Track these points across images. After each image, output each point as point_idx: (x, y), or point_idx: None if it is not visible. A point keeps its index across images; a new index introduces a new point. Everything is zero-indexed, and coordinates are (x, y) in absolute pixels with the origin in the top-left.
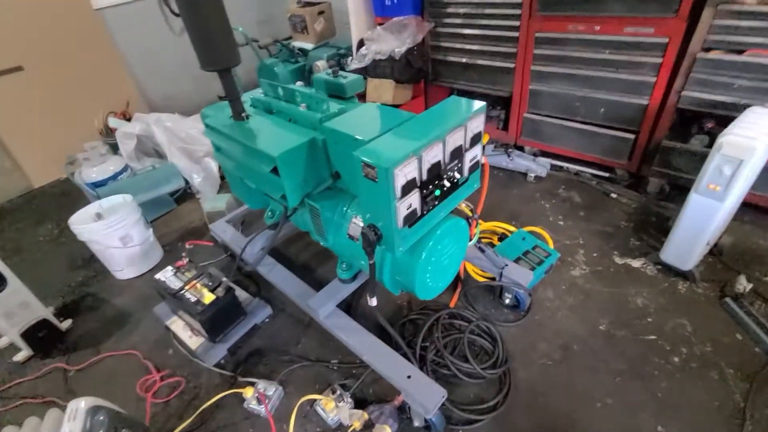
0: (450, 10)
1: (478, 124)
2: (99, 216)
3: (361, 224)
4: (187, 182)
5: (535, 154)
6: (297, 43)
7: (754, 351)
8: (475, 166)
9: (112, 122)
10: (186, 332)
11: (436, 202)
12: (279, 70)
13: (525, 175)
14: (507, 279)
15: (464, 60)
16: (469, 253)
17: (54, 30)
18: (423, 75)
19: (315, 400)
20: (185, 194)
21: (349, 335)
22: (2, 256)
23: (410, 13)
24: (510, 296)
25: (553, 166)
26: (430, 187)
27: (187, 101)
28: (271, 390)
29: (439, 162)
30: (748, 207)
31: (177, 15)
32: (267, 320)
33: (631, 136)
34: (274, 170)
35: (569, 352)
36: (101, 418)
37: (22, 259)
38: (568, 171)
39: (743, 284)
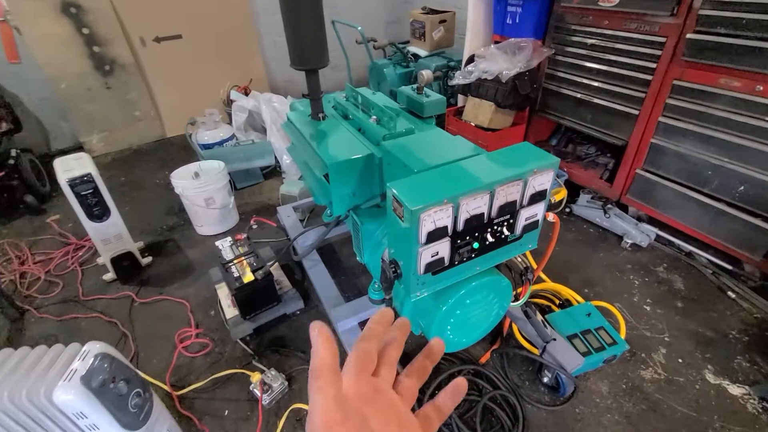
0: (576, 38)
1: (543, 181)
2: (197, 175)
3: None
4: (277, 161)
5: (639, 218)
6: (412, 48)
7: None
8: (533, 226)
9: (233, 94)
10: (227, 300)
11: (473, 255)
12: (388, 72)
13: (620, 239)
14: (550, 356)
15: (579, 95)
16: (516, 313)
17: (211, 8)
18: (528, 103)
19: (304, 414)
20: (274, 172)
21: None
22: (126, 189)
23: (530, 36)
24: (550, 376)
25: (659, 238)
26: (467, 238)
27: (304, 87)
28: (277, 382)
29: (481, 214)
30: None
31: None
32: (298, 312)
33: None
34: (327, 176)
35: None
36: (105, 365)
37: (138, 195)
38: (677, 248)
39: None
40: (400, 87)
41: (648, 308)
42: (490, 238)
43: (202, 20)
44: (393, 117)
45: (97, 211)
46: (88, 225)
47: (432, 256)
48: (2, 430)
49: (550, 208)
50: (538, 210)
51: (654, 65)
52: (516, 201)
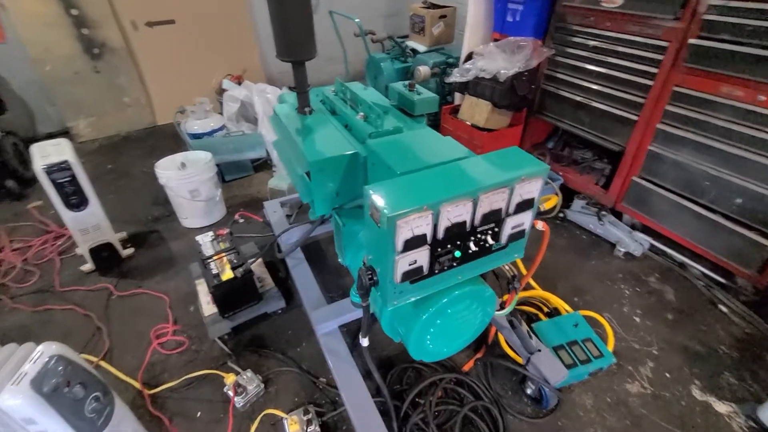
0: (577, 39)
1: (531, 189)
2: (183, 165)
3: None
4: (268, 154)
5: (633, 226)
6: (411, 43)
7: None
8: (519, 235)
9: (226, 84)
10: (206, 297)
11: (455, 264)
12: (385, 66)
13: (613, 247)
14: (533, 368)
15: (578, 98)
16: (501, 321)
17: None
18: (526, 104)
19: (279, 419)
20: (264, 164)
21: (336, 363)
22: (112, 177)
23: (530, 35)
24: (533, 388)
25: (652, 247)
26: (448, 246)
27: None
28: (252, 384)
29: (464, 222)
30: None
31: None
32: (279, 312)
33: None
34: (310, 173)
35: None
36: (59, 368)
37: (125, 183)
38: (670, 259)
39: None
40: (397, 82)
41: (637, 319)
42: (473, 247)
43: (197, 6)
44: (380, 114)
45: (75, 200)
46: (65, 214)
47: (410, 265)
48: None
49: (541, 215)
50: (525, 219)
51: (655, 70)
52: (501, 209)
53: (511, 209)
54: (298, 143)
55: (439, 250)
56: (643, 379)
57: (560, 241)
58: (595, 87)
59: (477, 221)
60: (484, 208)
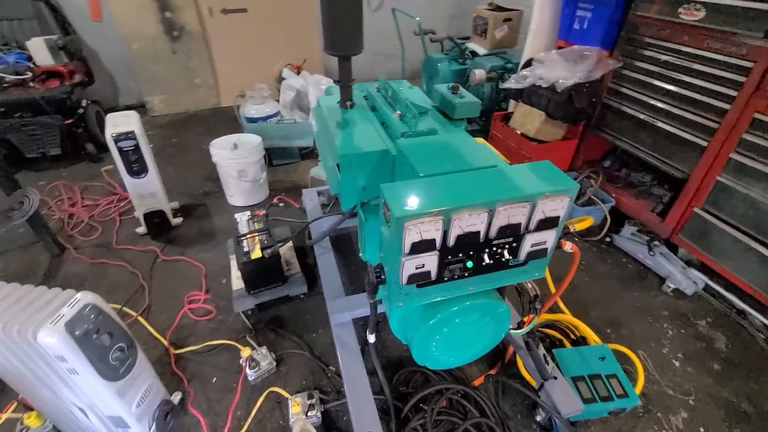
0: (649, 52)
1: (556, 207)
2: (236, 146)
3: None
4: (315, 143)
5: (689, 262)
6: (471, 45)
7: None
8: (540, 254)
9: (285, 72)
10: (236, 272)
11: (466, 274)
12: (442, 67)
13: (662, 281)
14: (546, 395)
15: (642, 116)
16: (519, 341)
17: None
18: (584, 117)
19: (284, 397)
20: (311, 153)
21: (344, 354)
22: (175, 150)
23: (597, 45)
24: (543, 416)
25: (708, 288)
26: (460, 255)
27: (356, 73)
28: (265, 361)
29: (477, 232)
30: None
31: None
32: (302, 296)
33: None
34: (340, 166)
35: None
36: (92, 316)
37: (184, 158)
38: (728, 304)
39: None
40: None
41: (677, 363)
42: (487, 260)
43: None
44: (416, 115)
45: (136, 167)
46: (127, 180)
47: (416, 268)
48: None
49: (582, 237)
50: (548, 237)
51: (734, 93)
52: (520, 224)
53: (532, 226)
54: (333, 135)
55: (450, 257)
56: (672, 430)
57: (602, 266)
58: (662, 106)
59: (493, 233)
60: (500, 221)
